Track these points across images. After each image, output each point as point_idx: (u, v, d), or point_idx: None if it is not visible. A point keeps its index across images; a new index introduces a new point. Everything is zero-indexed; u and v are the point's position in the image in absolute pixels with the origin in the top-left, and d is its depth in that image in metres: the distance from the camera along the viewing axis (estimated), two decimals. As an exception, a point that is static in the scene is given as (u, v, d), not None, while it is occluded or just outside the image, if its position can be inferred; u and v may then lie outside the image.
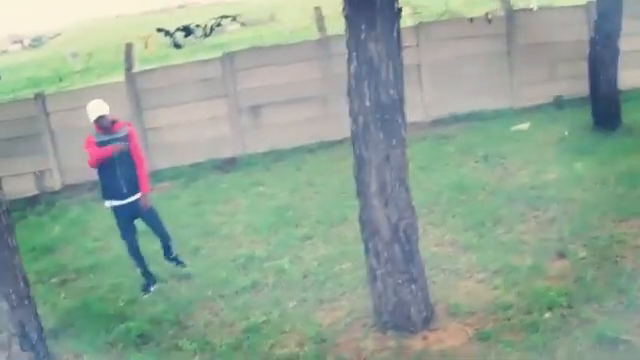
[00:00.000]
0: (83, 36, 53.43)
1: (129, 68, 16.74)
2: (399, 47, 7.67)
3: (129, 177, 10.39)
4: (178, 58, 18.39)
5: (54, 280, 11.42)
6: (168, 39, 15.68)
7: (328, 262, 10.22)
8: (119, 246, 11.94)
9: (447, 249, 10.06)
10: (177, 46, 12.51)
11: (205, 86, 16.64)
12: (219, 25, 14.03)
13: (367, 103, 7.66)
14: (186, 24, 13.66)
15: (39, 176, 17.20)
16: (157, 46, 24.50)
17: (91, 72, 27.64)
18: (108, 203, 10.54)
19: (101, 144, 10.21)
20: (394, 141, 7.72)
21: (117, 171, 10.31)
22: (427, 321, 8.13)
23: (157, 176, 16.31)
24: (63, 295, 10.91)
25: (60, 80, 21.43)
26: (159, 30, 12.08)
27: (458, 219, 11.01)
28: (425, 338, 7.90)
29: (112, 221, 12.28)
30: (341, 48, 15.42)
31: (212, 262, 10.99)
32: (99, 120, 10.21)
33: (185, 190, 15.30)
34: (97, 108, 10.24)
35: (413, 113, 15.62)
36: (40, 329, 8.86)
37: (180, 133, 16.77)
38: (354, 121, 7.86)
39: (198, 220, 13.05)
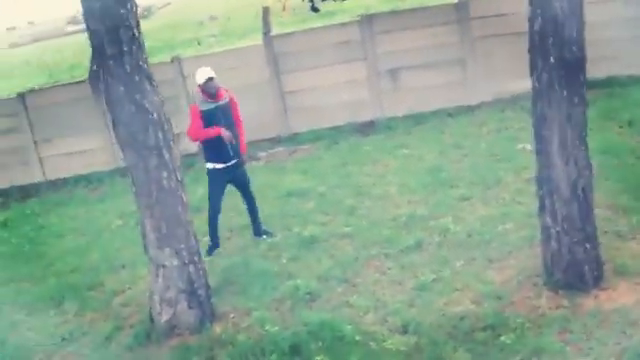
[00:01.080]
0: (193, 4, 53.80)
1: (267, 31, 16.77)
2: (581, 4, 7.54)
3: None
4: (316, 21, 18.25)
5: (206, 239, 11.52)
6: (305, 3, 15.60)
7: (490, 222, 10.12)
8: (270, 206, 12.17)
9: (606, 212, 9.73)
10: (315, 9, 12.48)
11: (343, 49, 16.52)
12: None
13: (552, 60, 7.57)
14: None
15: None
16: (293, 10, 24.66)
17: (228, 36, 27.90)
18: (211, 165, 10.80)
19: (206, 113, 10.45)
20: (576, 99, 7.67)
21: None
22: (598, 280, 8.05)
23: (296, 139, 16.51)
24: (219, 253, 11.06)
25: (198, 44, 21.72)
26: None
27: (611, 182, 10.72)
28: (597, 297, 7.84)
29: (261, 181, 12.43)
30: (479, 11, 15.44)
31: (371, 221, 10.98)
32: (207, 83, 10.37)
33: (328, 152, 15.31)
34: (207, 71, 10.41)
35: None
36: (207, 286, 9.02)
37: (318, 96, 16.71)
38: (537, 79, 7.78)
39: (348, 181, 13.06)
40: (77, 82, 18.67)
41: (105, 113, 16.70)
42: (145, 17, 61.05)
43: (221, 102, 10.54)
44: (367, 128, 16.37)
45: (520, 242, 9.36)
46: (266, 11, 17.04)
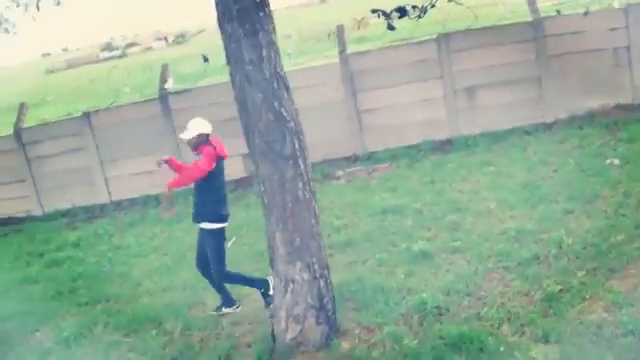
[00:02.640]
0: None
1: (343, 50, 16.84)
2: None
3: (195, 204, 9.98)
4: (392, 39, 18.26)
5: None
6: (381, 20, 15.56)
7: (600, 235, 10.05)
8: (366, 224, 12.18)
9: None
10: (391, 28, 12.51)
11: (420, 67, 16.65)
12: (433, 6, 13.94)
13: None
14: (401, 5, 13.60)
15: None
16: (366, 28, 24.81)
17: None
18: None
19: None
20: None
21: (194, 195, 10.00)
22: None
23: (373, 158, 16.52)
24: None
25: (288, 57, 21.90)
26: (373, 11, 12.08)
27: None
28: None
29: (348, 199, 12.31)
30: (554, 29, 15.47)
31: (479, 236, 10.94)
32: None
33: (410, 170, 15.35)
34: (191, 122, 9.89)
35: (622, 95, 15.43)
36: (334, 301, 8.76)
37: (394, 115, 16.81)
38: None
39: (441, 197, 13.06)
40: (145, 101, 18.80)
41: (175, 131, 16.88)
42: (179, 43, 61.48)
43: (196, 159, 9.82)
44: (445, 146, 16.45)
45: (635, 252, 9.33)
46: (341, 29, 17.11)
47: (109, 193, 18.70)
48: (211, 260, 9.95)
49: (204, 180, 9.64)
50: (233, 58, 7.99)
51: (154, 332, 10.12)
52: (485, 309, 8.67)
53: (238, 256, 12.26)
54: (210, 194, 9.78)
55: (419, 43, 16.82)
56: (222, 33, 8.02)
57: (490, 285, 9.34)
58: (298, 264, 8.39)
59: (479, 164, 14.62)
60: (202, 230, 9.98)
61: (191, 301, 10.88)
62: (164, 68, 18.23)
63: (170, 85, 17.97)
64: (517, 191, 12.46)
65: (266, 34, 7.87)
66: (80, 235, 16.44)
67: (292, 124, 8.10)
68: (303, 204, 8.31)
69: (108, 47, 63.34)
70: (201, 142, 9.68)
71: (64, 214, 18.81)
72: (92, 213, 18.44)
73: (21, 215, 19.60)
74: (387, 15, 9.49)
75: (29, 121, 20.67)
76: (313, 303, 8.49)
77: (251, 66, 7.86)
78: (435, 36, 16.63)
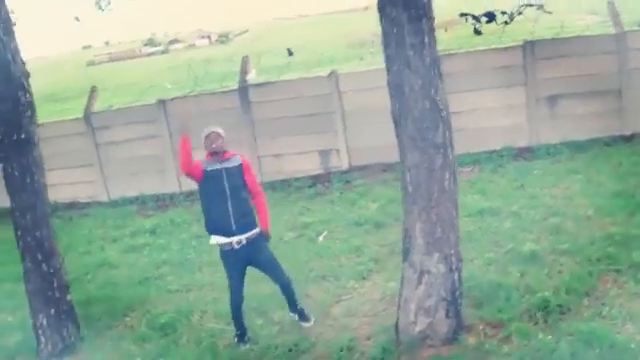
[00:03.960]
0: (270, 33, 54.31)
1: (425, 51, 17.01)
2: None
3: (241, 213, 9.27)
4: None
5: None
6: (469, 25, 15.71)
7: (703, 241, 10.21)
8: (464, 224, 12.05)
9: None
10: (478, 32, 12.61)
11: (504, 73, 16.81)
12: (520, 13, 14.12)
13: None
14: (490, 10, 13.70)
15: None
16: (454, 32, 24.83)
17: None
18: (214, 239, 9.47)
19: (210, 174, 9.22)
20: None
21: (228, 204, 9.21)
22: None
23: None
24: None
25: (361, 59, 21.95)
26: (462, 15, 12.16)
27: None
28: None
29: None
30: (638, 43, 15.62)
31: (585, 239, 11.06)
32: (209, 137, 9.30)
33: (495, 175, 15.55)
34: (212, 127, 9.47)
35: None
36: (461, 295, 8.79)
37: (476, 119, 16.95)
38: None
39: (536, 201, 13.23)
40: (224, 92, 18.91)
41: (254, 125, 16.97)
42: (222, 42, 61.61)
43: (227, 164, 9.31)
44: (525, 153, 16.67)
45: None
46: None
47: (179, 182, 18.73)
48: (277, 265, 9.70)
49: (247, 189, 9.44)
50: (394, 42, 7.99)
51: (260, 322, 10.16)
52: (606, 308, 8.85)
53: (335, 250, 12.58)
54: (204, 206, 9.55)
55: (505, 49, 17.00)
56: (383, 16, 8.06)
57: (605, 286, 9.49)
58: (436, 255, 8.39)
59: (566, 172, 14.78)
60: (252, 242, 9.40)
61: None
62: (245, 60, 18.36)
63: (252, 77, 18.11)
64: (612, 198, 12.60)
65: (428, 20, 7.94)
66: (156, 223, 16.56)
67: (445, 113, 8.14)
68: (448, 195, 8.31)
69: (151, 42, 63.82)
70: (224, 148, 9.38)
71: (131, 201, 18.94)
72: (162, 202, 18.56)
73: (85, 200, 19.76)
74: (477, 19, 9.56)
75: (77, 110, 20.68)
76: (445, 296, 8.50)
77: (412, 51, 7.87)
78: (522, 43, 16.84)
